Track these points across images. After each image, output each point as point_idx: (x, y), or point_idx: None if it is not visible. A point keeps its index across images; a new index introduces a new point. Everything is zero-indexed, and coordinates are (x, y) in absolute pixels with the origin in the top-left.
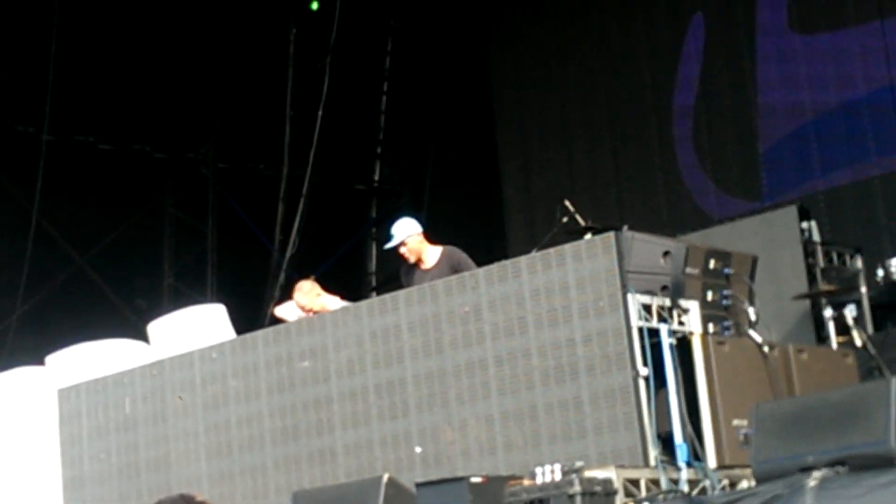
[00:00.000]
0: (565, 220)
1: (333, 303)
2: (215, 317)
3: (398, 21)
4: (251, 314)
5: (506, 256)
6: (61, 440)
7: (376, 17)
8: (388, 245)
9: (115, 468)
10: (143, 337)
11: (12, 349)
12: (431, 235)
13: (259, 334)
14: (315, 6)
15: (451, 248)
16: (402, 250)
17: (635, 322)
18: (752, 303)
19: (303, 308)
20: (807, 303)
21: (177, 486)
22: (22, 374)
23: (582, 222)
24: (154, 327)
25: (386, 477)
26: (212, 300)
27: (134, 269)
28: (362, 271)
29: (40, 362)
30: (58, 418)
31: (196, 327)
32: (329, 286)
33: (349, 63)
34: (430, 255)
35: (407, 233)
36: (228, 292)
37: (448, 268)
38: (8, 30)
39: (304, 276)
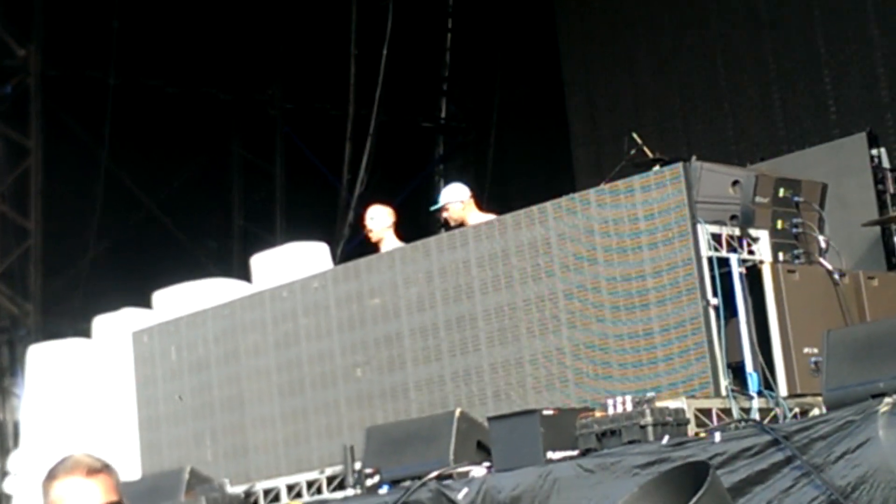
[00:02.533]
0: (633, 152)
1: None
2: (319, 254)
3: None
4: None
5: (573, 191)
6: (136, 381)
7: None
8: (433, 208)
9: (188, 408)
10: (216, 276)
11: (86, 291)
12: (498, 171)
13: (329, 272)
14: None
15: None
16: (444, 215)
17: (705, 252)
18: (822, 231)
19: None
20: (877, 230)
21: (251, 425)
22: (129, 315)
23: (650, 154)
24: (257, 262)
25: (458, 411)
26: (281, 241)
27: (203, 212)
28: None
29: (115, 305)
30: (132, 359)
31: (299, 263)
32: (398, 223)
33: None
34: (478, 221)
35: (448, 199)
36: (298, 232)
37: None
38: None
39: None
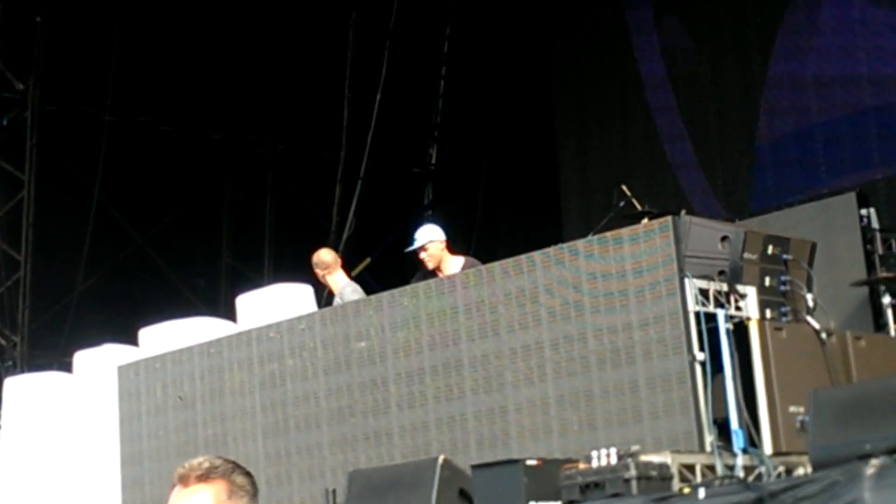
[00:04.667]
0: (622, 204)
1: (342, 281)
2: (303, 296)
3: (457, 5)
4: None
5: (561, 241)
6: (120, 416)
7: (435, 0)
8: (410, 248)
9: (172, 445)
10: (203, 314)
11: (74, 326)
12: (487, 219)
13: (316, 314)
14: None
15: (472, 259)
16: (423, 255)
17: (692, 307)
18: (810, 289)
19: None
20: (865, 290)
21: None
22: (110, 351)
23: (639, 207)
24: (242, 301)
25: (441, 458)
26: (269, 280)
27: (192, 249)
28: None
29: (102, 339)
30: (117, 395)
31: (284, 304)
32: (384, 268)
33: (408, 46)
34: (452, 264)
35: (429, 238)
36: (285, 273)
37: None
38: (72, 13)
39: (361, 258)
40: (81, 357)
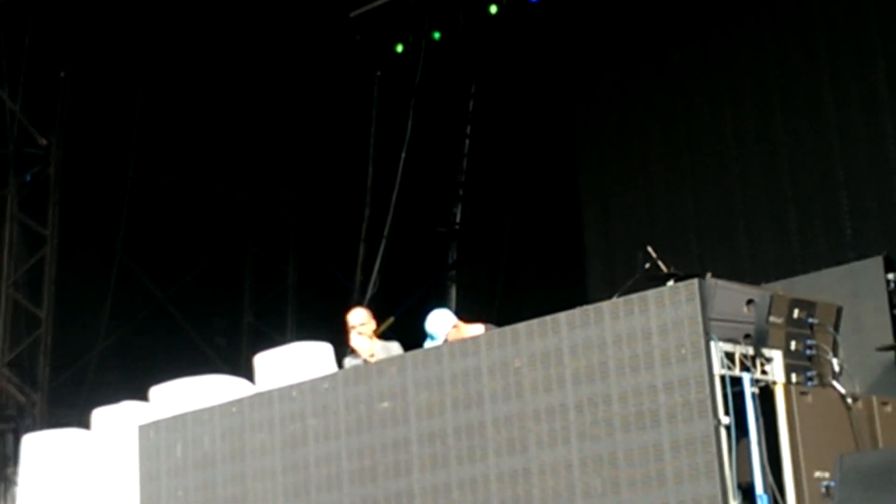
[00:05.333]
0: (647, 266)
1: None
2: (322, 354)
3: (482, 64)
4: None
5: (585, 302)
6: (140, 476)
7: (460, 60)
8: (431, 345)
9: None
10: (224, 373)
11: (93, 384)
12: (510, 279)
13: (339, 374)
14: (400, 49)
15: (490, 325)
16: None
17: (718, 370)
18: (836, 353)
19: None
20: (891, 354)
21: None
22: (128, 408)
23: (664, 269)
24: (260, 360)
25: None
26: (291, 339)
27: (214, 307)
28: None
29: (122, 397)
30: (137, 453)
31: (302, 364)
32: (408, 327)
33: (433, 105)
34: (470, 334)
35: (446, 329)
36: (307, 332)
37: None
38: (96, 69)
39: (384, 318)
40: (101, 415)
